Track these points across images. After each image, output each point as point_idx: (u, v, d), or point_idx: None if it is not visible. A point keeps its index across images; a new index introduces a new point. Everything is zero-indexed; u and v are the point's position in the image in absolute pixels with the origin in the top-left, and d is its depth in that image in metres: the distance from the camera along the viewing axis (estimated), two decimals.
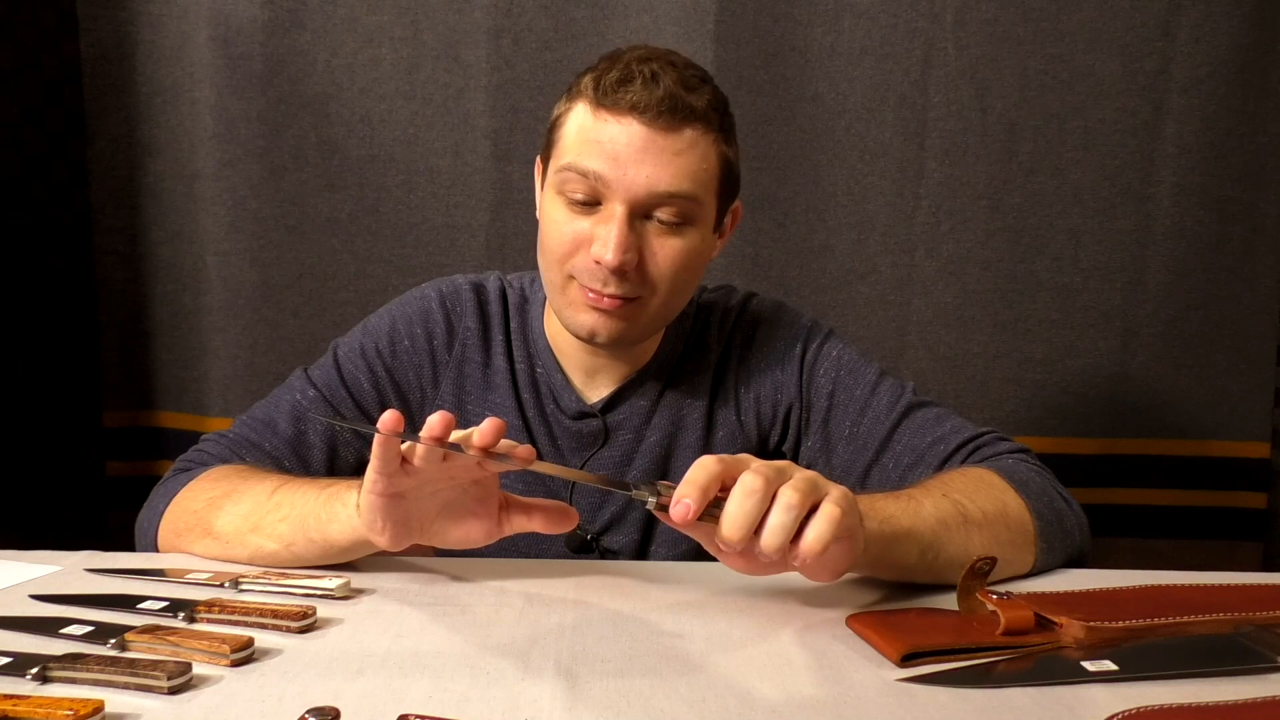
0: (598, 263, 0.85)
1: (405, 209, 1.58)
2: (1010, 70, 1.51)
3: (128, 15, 1.58)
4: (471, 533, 0.72)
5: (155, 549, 0.85)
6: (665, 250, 0.86)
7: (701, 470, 0.62)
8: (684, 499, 0.60)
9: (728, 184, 0.91)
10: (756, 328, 1.00)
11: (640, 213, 0.85)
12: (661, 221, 0.86)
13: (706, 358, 0.99)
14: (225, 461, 0.89)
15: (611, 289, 0.86)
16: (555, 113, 0.90)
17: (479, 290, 1.00)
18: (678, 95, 0.83)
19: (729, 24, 1.50)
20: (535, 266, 1.06)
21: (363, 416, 0.94)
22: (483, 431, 0.64)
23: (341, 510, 0.74)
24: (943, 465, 0.90)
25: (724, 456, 0.63)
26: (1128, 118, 1.52)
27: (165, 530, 0.84)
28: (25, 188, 1.57)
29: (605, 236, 0.84)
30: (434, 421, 0.63)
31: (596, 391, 0.97)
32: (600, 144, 0.84)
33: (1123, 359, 1.57)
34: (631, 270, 0.85)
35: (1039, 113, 1.52)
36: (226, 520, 0.80)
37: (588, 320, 0.88)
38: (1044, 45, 1.51)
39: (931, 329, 1.57)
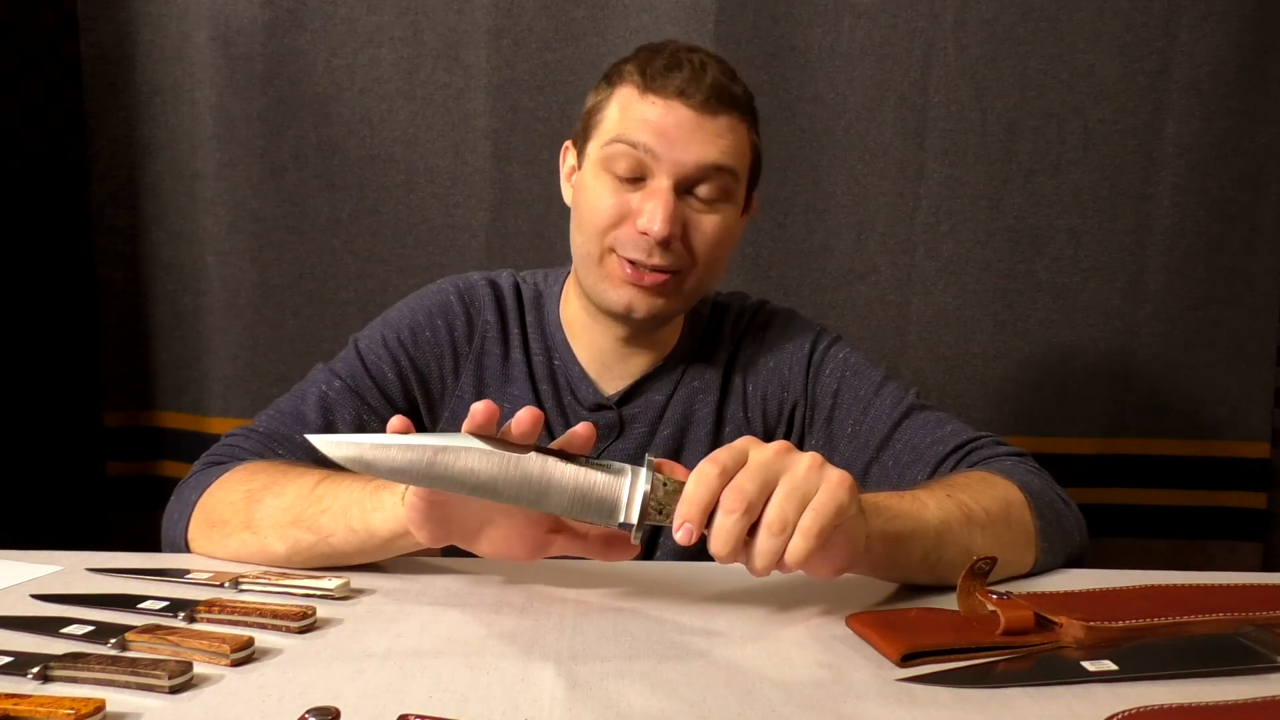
0: (644, 234, 0.88)
1: (405, 209, 1.58)
2: (1010, 70, 1.51)
3: (128, 15, 1.58)
4: (514, 548, 0.70)
5: (184, 542, 0.84)
6: (706, 225, 0.90)
7: (701, 488, 0.61)
8: (685, 523, 0.61)
9: (756, 171, 0.96)
10: (767, 328, 1.02)
11: (683, 188, 0.89)
12: (701, 198, 0.90)
13: (719, 354, 1.01)
14: (259, 456, 0.89)
15: (656, 260, 0.89)
16: (592, 101, 0.95)
17: (494, 286, 1.02)
18: (722, 84, 0.89)
19: (729, 24, 1.50)
20: (535, 266, 1.07)
21: (388, 405, 0.95)
22: (519, 421, 0.63)
23: (388, 498, 0.73)
24: (940, 465, 0.91)
25: (724, 459, 0.62)
26: (1128, 118, 1.52)
27: (198, 522, 0.83)
28: (25, 188, 1.57)
29: (652, 209, 0.87)
30: (477, 409, 0.63)
31: (613, 384, 0.99)
32: (649, 121, 0.88)
33: (1123, 359, 1.57)
34: (676, 242, 0.88)
35: (1039, 113, 1.52)
36: (266, 513, 0.78)
37: (625, 295, 0.91)
38: (1044, 45, 1.51)
39: (931, 329, 1.57)
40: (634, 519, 0.63)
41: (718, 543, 0.61)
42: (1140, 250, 1.55)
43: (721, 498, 0.61)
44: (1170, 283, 1.55)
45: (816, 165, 1.55)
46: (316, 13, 1.53)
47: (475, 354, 0.99)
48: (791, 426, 1.00)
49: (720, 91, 0.88)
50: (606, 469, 0.63)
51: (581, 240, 0.93)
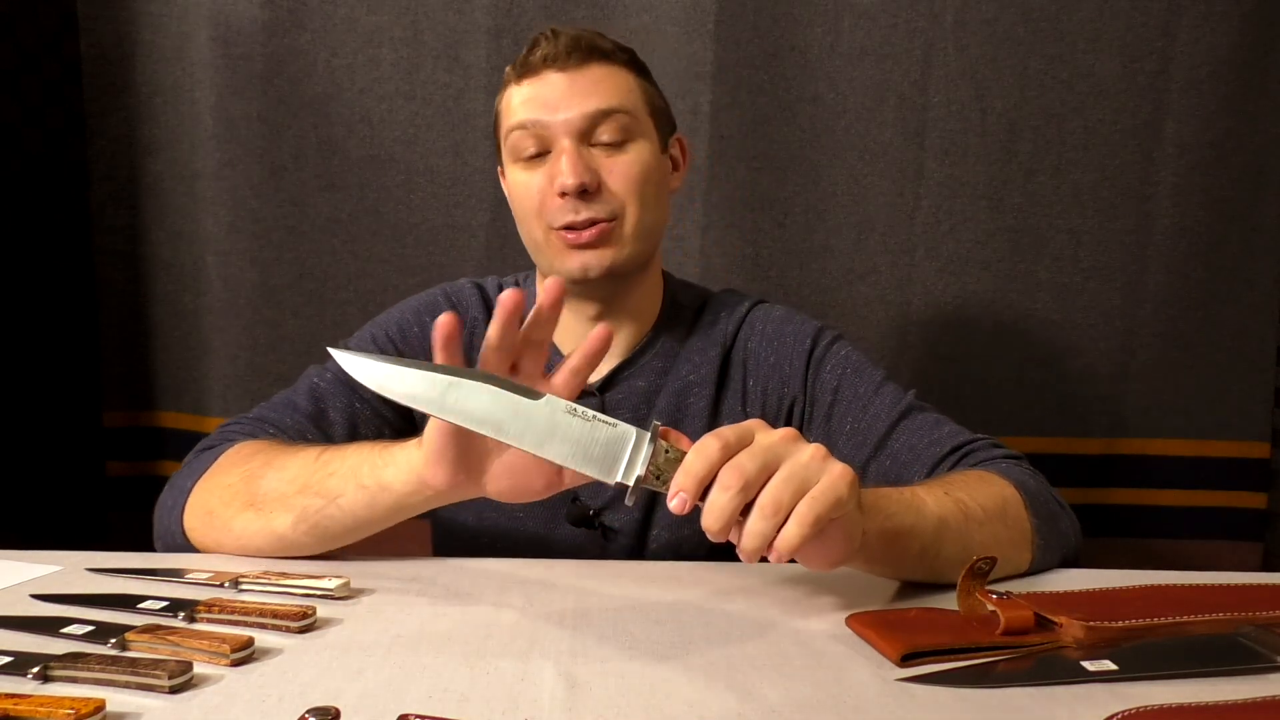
0: (564, 194, 0.91)
1: (405, 209, 1.57)
2: (1010, 70, 1.51)
3: (128, 15, 1.58)
4: (531, 481, 0.71)
5: (180, 530, 0.84)
6: (619, 164, 0.93)
7: (701, 459, 0.61)
8: (680, 492, 0.61)
9: (656, 111, 0.99)
10: (767, 323, 1.03)
11: (585, 139, 0.93)
12: (605, 143, 0.93)
13: (714, 347, 1.01)
14: (250, 436, 0.89)
15: (584, 214, 0.92)
16: (493, 115, 1.00)
17: (480, 287, 1.05)
18: (580, 38, 0.94)
19: (729, 24, 1.50)
20: (535, 266, 1.07)
21: (379, 400, 0.95)
22: (547, 289, 0.67)
23: (400, 454, 0.74)
24: (937, 466, 0.91)
25: (728, 435, 0.62)
26: (1128, 118, 1.52)
27: (195, 509, 0.83)
28: (25, 188, 1.57)
29: (560, 167, 0.91)
30: (505, 299, 0.66)
31: (596, 371, 0.98)
32: (529, 100, 0.93)
33: (1123, 359, 1.57)
34: (595, 190, 0.91)
35: (1039, 113, 1.52)
36: (271, 486, 0.79)
37: (576, 260, 0.93)
38: (1044, 45, 1.51)
39: (931, 329, 1.57)
40: (631, 480, 0.63)
41: (709, 517, 0.61)
42: (1140, 250, 1.54)
43: (720, 473, 0.61)
44: (1170, 283, 1.54)
45: (816, 165, 1.55)
46: (316, 13, 1.53)
47: (464, 349, 1.00)
48: (790, 422, 1.00)
49: (580, 45, 0.93)
50: (613, 427, 0.64)
51: (525, 231, 0.97)
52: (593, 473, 0.64)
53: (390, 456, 0.75)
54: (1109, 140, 1.52)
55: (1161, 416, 1.58)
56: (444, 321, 0.66)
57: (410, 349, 0.99)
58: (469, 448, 0.70)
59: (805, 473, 0.62)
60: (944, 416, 0.97)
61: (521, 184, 0.95)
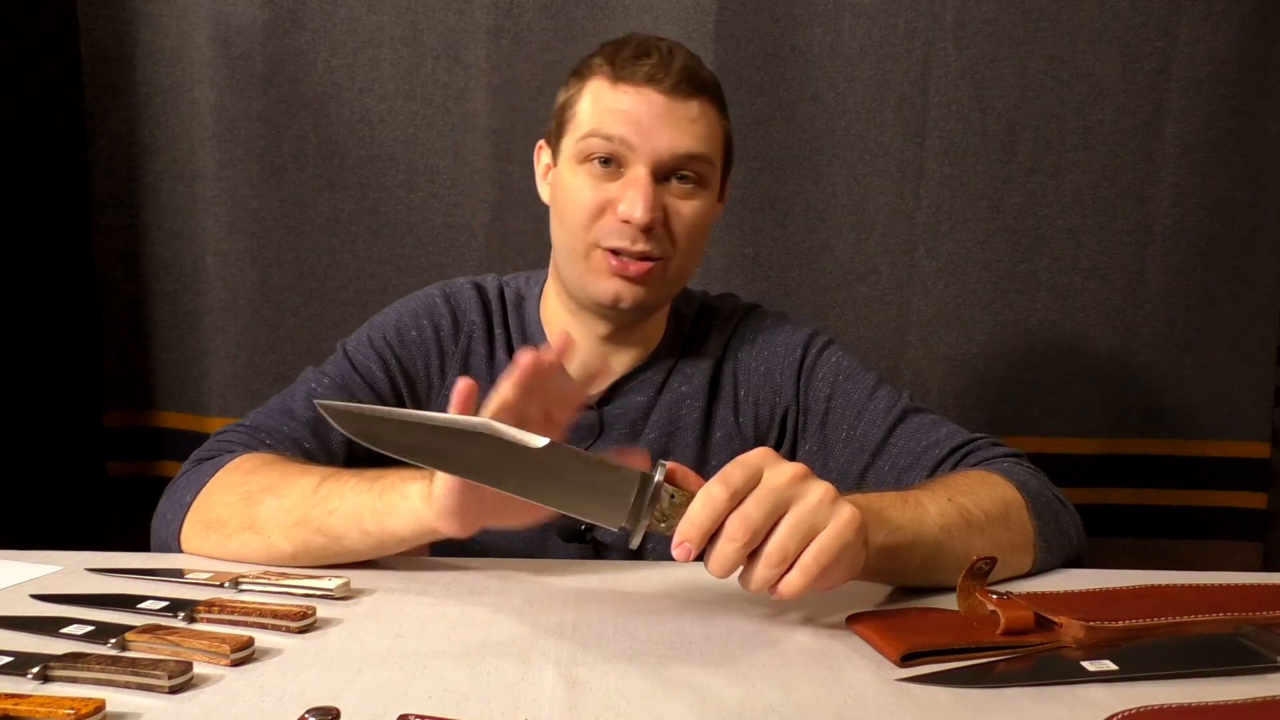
0: (626, 222, 0.88)
1: (405, 209, 1.58)
2: (1010, 70, 1.51)
3: (128, 15, 1.58)
4: (528, 507, 0.71)
5: (176, 543, 0.84)
6: (685, 211, 0.91)
7: (707, 509, 0.61)
8: (684, 542, 0.61)
9: (729, 155, 0.97)
10: (758, 332, 1.01)
11: (661, 175, 0.90)
12: (680, 183, 0.90)
13: (706, 358, 1.00)
14: (249, 448, 0.89)
15: (640, 246, 0.89)
16: (563, 97, 0.95)
17: (479, 289, 1.03)
18: (691, 68, 0.90)
19: (729, 24, 1.50)
20: (535, 266, 1.07)
21: (378, 403, 0.95)
22: (558, 348, 0.68)
23: (401, 503, 0.73)
24: (937, 468, 0.91)
25: (736, 480, 0.62)
26: (1128, 118, 1.52)
27: (193, 523, 0.83)
28: (25, 188, 1.57)
29: (632, 197, 0.88)
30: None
31: (595, 384, 0.98)
32: (621, 112, 0.88)
33: (1123, 359, 1.57)
34: (659, 227, 0.89)
35: (1039, 113, 1.52)
36: (268, 513, 0.78)
37: (612, 286, 0.91)
38: (1044, 45, 1.51)
39: (931, 329, 1.57)
40: (635, 525, 0.63)
41: (714, 565, 0.61)
42: (1140, 250, 1.54)
43: (726, 524, 0.61)
44: (1170, 283, 1.55)
45: (816, 165, 1.55)
46: (316, 13, 1.53)
47: (461, 354, 0.99)
48: (784, 432, 0.99)
49: (690, 76, 0.89)
50: (616, 471, 0.63)
51: (565, 236, 0.93)
52: (596, 519, 0.63)
53: (392, 504, 0.74)
54: (1109, 140, 1.52)
55: (1161, 416, 1.58)
56: (463, 389, 0.65)
57: (408, 353, 0.98)
58: (480, 498, 0.69)
59: (813, 519, 0.62)
60: (941, 417, 0.96)
61: (578, 189, 0.91)
